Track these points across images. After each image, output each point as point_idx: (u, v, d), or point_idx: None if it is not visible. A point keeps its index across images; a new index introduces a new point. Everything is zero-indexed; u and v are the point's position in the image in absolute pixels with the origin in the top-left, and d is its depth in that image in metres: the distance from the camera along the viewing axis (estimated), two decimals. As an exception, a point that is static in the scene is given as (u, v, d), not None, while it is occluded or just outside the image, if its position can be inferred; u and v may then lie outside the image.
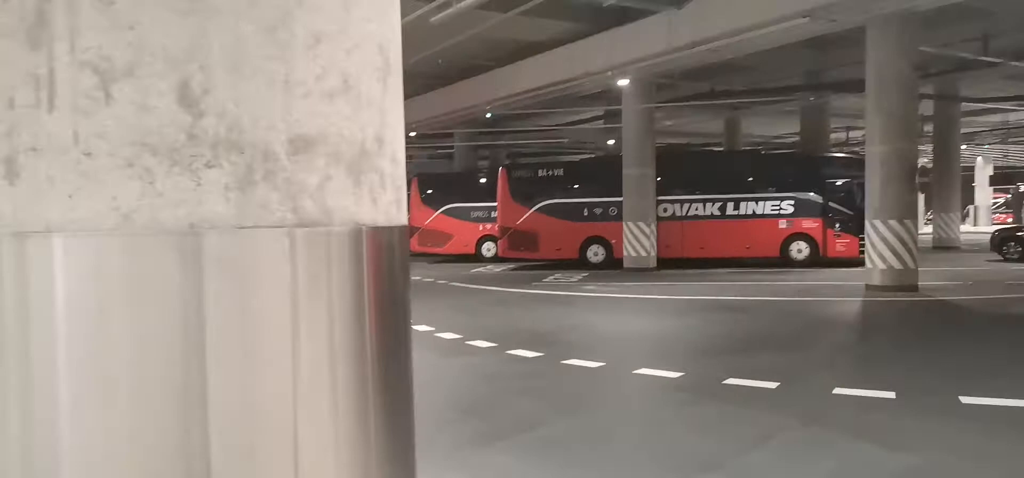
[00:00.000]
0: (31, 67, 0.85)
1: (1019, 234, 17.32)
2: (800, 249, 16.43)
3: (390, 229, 1.05)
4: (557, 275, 14.63)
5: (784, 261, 16.25)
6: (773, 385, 4.99)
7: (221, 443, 0.88)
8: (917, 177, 11.45)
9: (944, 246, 21.41)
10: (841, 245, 16.16)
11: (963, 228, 25.08)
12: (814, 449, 3.67)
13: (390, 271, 1.04)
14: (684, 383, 5.17)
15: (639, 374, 5.48)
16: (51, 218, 0.84)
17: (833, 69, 17.93)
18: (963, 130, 25.35)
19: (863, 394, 4.68)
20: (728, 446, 3.70)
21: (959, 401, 4.48)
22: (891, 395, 4.64)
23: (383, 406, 1.02)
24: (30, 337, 0.84)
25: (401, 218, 1.09)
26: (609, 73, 14.18)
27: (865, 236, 11.62)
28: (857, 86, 18.11)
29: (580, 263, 16.82)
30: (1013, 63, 16.52)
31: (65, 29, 0.83)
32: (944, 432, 3.94)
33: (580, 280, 13.56)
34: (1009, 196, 52.69)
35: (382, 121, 1.05)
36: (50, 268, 0.84)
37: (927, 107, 20.52)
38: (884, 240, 11.11)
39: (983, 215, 42.18)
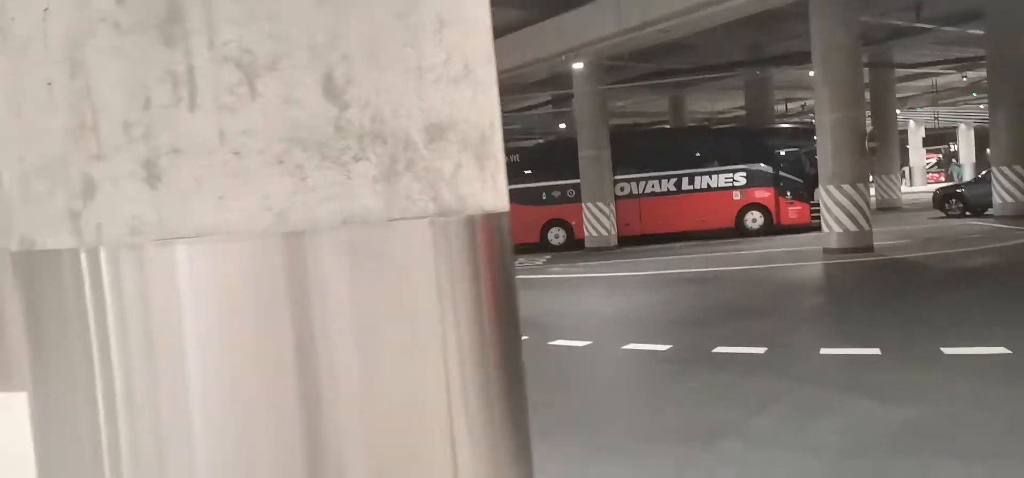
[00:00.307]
0: (167, 64, 0.80)
1: (958, 191, 18.01)
2: (754, 219, 16.80)
3: (503, 214, 1.03)
4: (521, 259, 14.69)
5: (739, 231, 16.59)
6: (761, 350, 5.10)
7: (382, 445, 0.86)
8: (867, 142, 11.81)
9: (887, 207, 22.15)
10: (793, 212, 16.58)
11: (903, 188, 25.98)
12: (818, 409, 3.76)
13: (503, 256, 1.03)
14: (674, 355, 5.24)
15: (628, 349, 5.53)
16: (202, 222, 0.80)
17: (775, 43, 18.32)
18: (897, 95, 26.21)
19: (849, 352, 4.82)
20: (736, 412, 3.77)
21: (941, 353, 4.65)
22: (876, 352, 4.79)
23: (506, 398, 1.00)
24: (183, 347, 0.79)
25: (507, 203, 1.08)
26: (562, 57, 14.22)
27: (820, 201, 11.93)
28: (798, 59, 18.59)
29: (542, 246, 16.89)
30: (945, 28, 17.15)
31: (201, 23, 0.79)
32: (935, 383, 4.08)
33: (545, 263, 13.62)
34: (940, 156, 54.81)
35: (493, 106, 1.04)
36: (202, 274, 0.80)
37: (863, 74, 21.12)
38: (839, 204, 11.42)
39: (918, 175, 43.82)
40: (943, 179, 45.72)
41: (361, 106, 0.84)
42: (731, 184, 16.90)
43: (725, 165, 16.97)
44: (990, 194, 15.87)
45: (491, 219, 0.97)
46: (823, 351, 4.97)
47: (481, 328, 0.93)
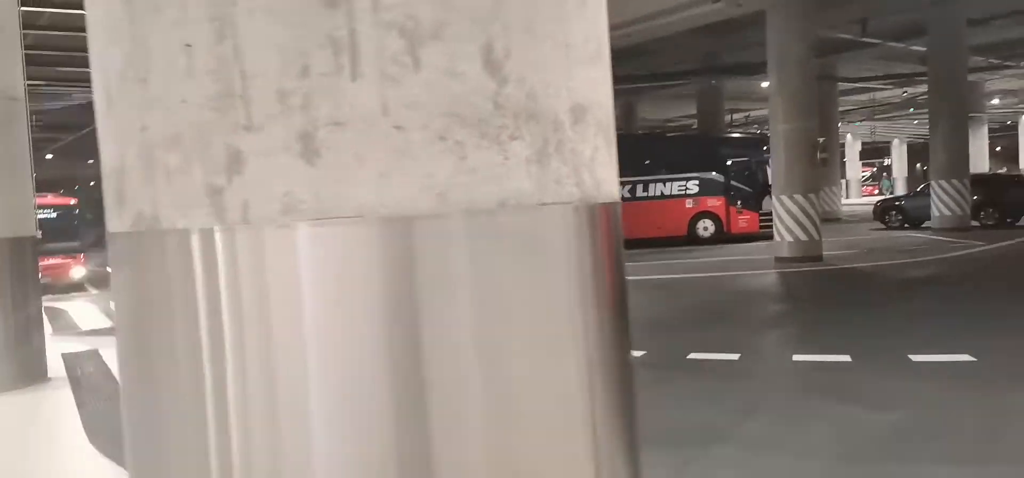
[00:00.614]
0: (328, 29, 0.74)
1: (898, 204, 18.68)
2: (706, 227, 17.11)
3: (619, 203, 1.01)
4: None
5: (691, 239, 16.85)
6: (735, 357, 5.16)
7: (530, 438, 0.82)
8: (818, 153, 12.14)
9: (829, 218, 22.76)
10: (743, 221, 16.94)
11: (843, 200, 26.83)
12: (802, 414, 3.81)
13: (620, 246, 1.00)
14: (650, 360, 5.26)
15: (602, 355, 5.51)
16: (362, 201, 0.74)
17: (729, 53, 18.73)
18: (838, 109, 27.09)
19: (821, 359, 4.91)
20: (722, 417, 3.79)
21: (909, 359, 4.78)
22: (847, 358, 4.89)
23: (626, 390, 0.97)
24: (336, 334, 0.74)
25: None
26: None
27: (772, 211, 12.20)
28: (748, 69, 19.04)
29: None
30: (889, 43, 17.80)
31: (364, -15, 0.73)
32: (910, 389, 4.18)
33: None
34: (874, 169, 56.92)
35: (611, 90, 1.01)
36: (361, 259, 0.74)
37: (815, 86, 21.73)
38: (790, 214, 11.70)
39: (855, 188, 45.34)
40: (877, 192, 47.57)
41: (518, 82, 0.79)
42: (684, 192, 17.18)
43: (679, 173, 17.25)
44: (928, 207, 16.50)
45: (614, 207, 0.94)
46: (796, 358, 5.06)
47: (610, 318, 0.89)
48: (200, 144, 0.76)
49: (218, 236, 0.74)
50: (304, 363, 0.73)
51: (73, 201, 16.62)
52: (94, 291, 14.70)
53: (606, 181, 0.93)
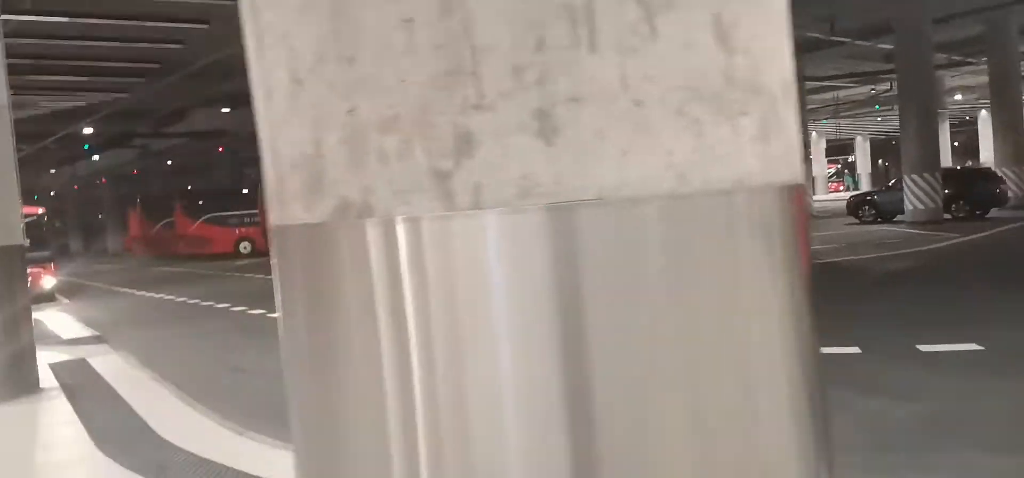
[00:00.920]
0: (563, -1, 0.69)
1: (870, 198, 19.00)
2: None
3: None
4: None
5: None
6: (742, 352, 5.12)
7: (767, 432, 0.77)
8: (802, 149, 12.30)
9: (802, 214, 23.13)
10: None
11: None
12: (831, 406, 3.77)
13: (809, 230, 0.96)
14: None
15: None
16: (604, 182, 0.69)
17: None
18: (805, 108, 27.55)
19: (832, 352, 4.91)
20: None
21: (918, 350, 4.81)
22: (857, 350, 4.91)
23: (823, 382, 0.93)
24: (579, 320, 0.69)
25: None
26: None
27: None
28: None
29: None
30: (857, 42, 18.13)
31: (599, -49, 0.68)
32: (928, 379, 4.20)
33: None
34: (839, 165, 57.99)
35: None
36: (604, 243, 0.69)
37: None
38: (772, 210, 11.82)
39: (821, 184, 46.08)
40: (842, 188, 48.52)
41: (744, 53, 0.75)
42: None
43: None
44: (901, 201, 16.78)
45: (805, 189, 0.90)
46: (804, 351, 5.04)
47: (810, 304, 0.85)
48: (423, 125, 0.70)
49: (446, 222, 0.69)
50: (551, 349, 0.67)
51: (41, 210, 16.17)
52: (65, 301, 14.31)
53: (799, 160, 0.89)
